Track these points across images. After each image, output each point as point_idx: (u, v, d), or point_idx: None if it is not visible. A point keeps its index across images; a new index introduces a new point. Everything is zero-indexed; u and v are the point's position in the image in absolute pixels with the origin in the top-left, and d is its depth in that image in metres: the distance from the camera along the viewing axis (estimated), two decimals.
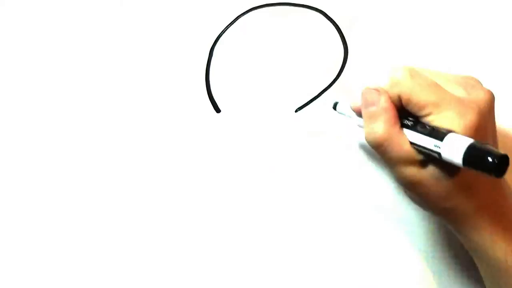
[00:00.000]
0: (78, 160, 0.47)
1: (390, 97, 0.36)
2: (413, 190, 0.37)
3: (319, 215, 0.45)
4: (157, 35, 0.48)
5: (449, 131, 0.33)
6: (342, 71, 0.47)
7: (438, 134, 0.33)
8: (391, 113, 0.36)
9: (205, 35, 0.48)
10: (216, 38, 0.48)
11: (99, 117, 0.48)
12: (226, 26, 0.48)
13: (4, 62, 0.48)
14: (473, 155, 0.31)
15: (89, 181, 0.46)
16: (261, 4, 0.48)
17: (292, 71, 0.47)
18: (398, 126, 0.36)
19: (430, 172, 0.35)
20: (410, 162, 0.35)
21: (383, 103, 0.36)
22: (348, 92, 0.47)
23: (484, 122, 0.34)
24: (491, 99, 0.35)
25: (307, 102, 0.47)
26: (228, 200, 0.45)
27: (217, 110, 0.47)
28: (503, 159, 0.30)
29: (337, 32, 0.47)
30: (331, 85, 0.47)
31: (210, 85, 0.47)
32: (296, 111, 0.47)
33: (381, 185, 0.44)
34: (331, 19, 0.48)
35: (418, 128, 0.35)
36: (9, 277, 0.43)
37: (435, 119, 0.34)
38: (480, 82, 0.36)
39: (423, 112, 0.34)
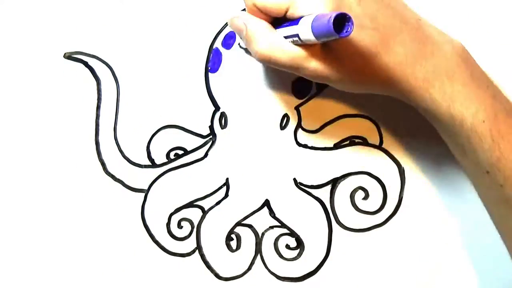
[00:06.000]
0: (73, 159, 0.48)
1: (251, 11, 0.37)
2: (329, 80, 0.37)
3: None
4: (156, 32, 0.47)
5: (303, 16, 0.34)
6: None
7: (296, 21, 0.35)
8: (258, 27, 0.37)
9: (204, 32, 0.47)
10: (216, 35, 0.47)
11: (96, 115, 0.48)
12: (226, 23, 0.48)
13: (4, 61, 0.48)
14: (318, 26, 0.32)
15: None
16: None
17: None
18: (273, 34, 0.37)
19: (324, 57, 0.36)
20: (301, 59, 0.36)
21: (247, 22, 0.37)
22: None
23: None
24: None
25: (307, 99, 0.48)
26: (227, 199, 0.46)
27: (216, 107, 0.48)
28: (340, 16, 0.31)
29: None
30: None
31: (209, 82, 0.47)
32: (295, 108, 0.48)
33: None
34: None
35: (284, 25, 0.36)
36: None
37: (294, 12, 0.35)
38: None
39: (282, 12, 0.36)
